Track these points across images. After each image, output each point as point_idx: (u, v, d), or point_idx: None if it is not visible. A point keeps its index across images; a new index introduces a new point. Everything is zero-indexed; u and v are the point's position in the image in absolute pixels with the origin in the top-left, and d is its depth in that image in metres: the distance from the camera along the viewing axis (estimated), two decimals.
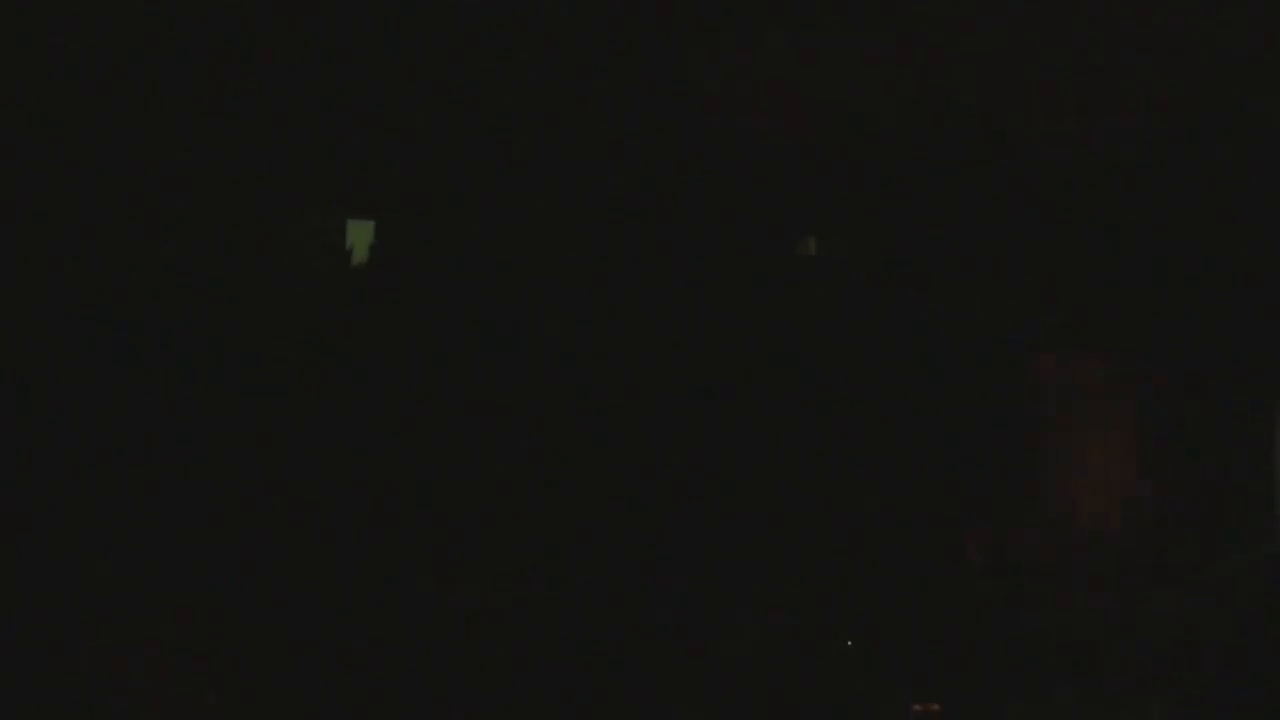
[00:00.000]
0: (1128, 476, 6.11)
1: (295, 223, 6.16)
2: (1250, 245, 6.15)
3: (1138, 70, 6.12)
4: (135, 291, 5.83)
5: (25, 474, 5.54)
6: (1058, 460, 6.14)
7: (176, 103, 5.96)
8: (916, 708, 5.51)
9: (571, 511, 5.85)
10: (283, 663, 5.29)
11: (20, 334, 5.68)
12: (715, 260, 6.20)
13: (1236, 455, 6.09)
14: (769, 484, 5.95)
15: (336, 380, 5.95)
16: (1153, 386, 6.15)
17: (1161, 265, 6.18)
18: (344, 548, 5.68)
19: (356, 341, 6.04)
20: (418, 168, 6.18)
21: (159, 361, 5.78)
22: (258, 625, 5.39)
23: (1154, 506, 6.06)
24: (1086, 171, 6.20)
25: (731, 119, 6.18)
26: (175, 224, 5.97)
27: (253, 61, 6.02)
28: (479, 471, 5.89)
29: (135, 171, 5.93)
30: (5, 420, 5.60)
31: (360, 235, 6.21)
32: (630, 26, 6.12)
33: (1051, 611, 5.79)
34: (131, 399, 5.70)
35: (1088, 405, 6.15)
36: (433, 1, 6.11)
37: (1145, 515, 6.05)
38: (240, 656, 5.28)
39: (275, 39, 6.04)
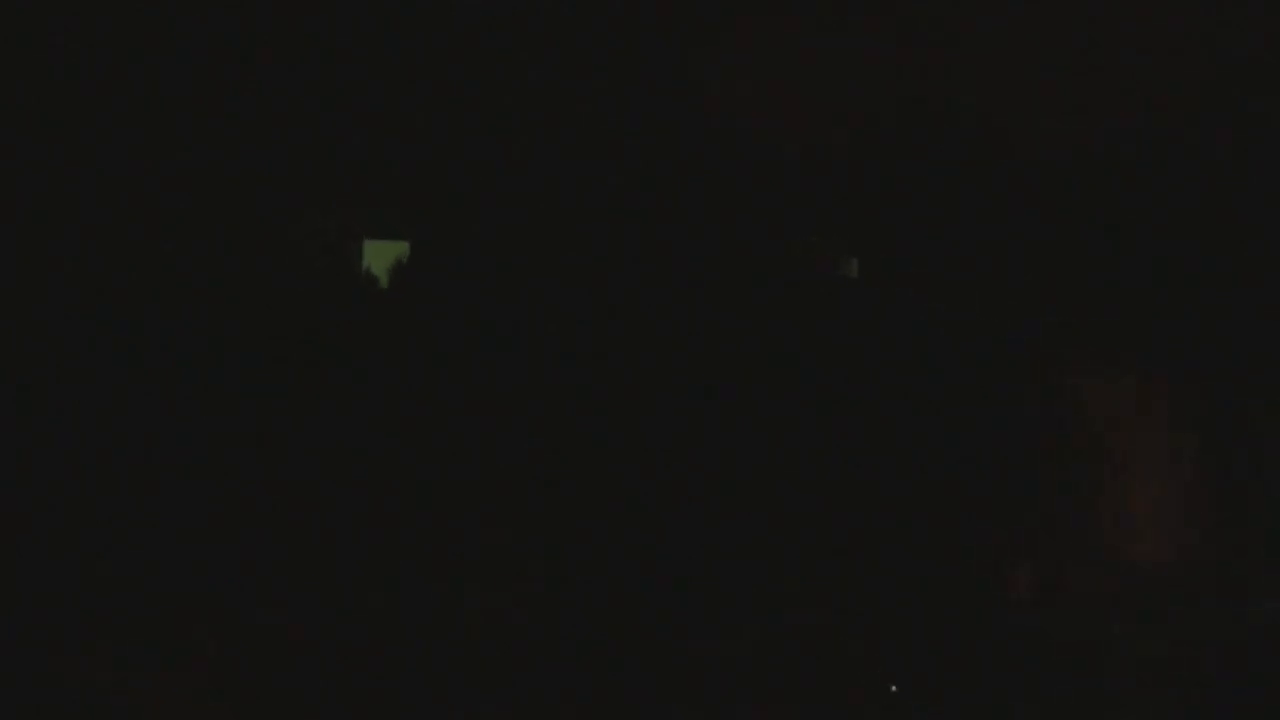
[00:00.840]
0: (1181, 509, 5.83)
1: (296, 223, 6.17)
2: None
3: (1138, 70, 6.12)
4: (135, 291, 5.83)
5: (25, 474, 5.54)
6: (1109, 491, 5.87)
7: (185, 105, 5.97)
8: None
9: (571, 511, 5.85)
10: (283, 663, 5.29)
11: (20, 334, 5.68)
12: (715, 260, 6.20)
13: None
14: (801, 503, 5.92)
15: (338, 382, 5.95)
16: (1212, 417, 5.89)
17: (1225, 297, 6.05)
18: (344, 548, 5.68)
19: (358, 344, 6.04)
20: (417, 167, 6.19)
21: (159, 361, 5.79)
22: (258, 625, 5.39)
23: (1209, 540, 5.79)
24: (1086, 171, 6.19)
25: (731, 119, 6.19)
26: (178, 226, 5.98)
27: (260, 67, 6.03)
28: (479, 472, 5.88)
29: (138, 173, 5.93)
30: (5, 420, 5.60)
31: (377, 255, 6.25)
32: (630, 26, 6.13)
33: (1097, 644, 5.58)
34: (131, 399, 5.71)
35: (1141, 436, 5.88)
36: (433, 3, 6.12)
37: (1199, 549, 5.78)
38: (240, 657, 5.28)
39: (276, 45, 6.05)
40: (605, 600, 5.67)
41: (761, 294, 6.22)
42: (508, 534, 5.78)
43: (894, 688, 5.36)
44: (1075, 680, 5.50)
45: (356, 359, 6.00)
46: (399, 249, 6.27)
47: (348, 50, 6.11)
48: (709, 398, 6.05)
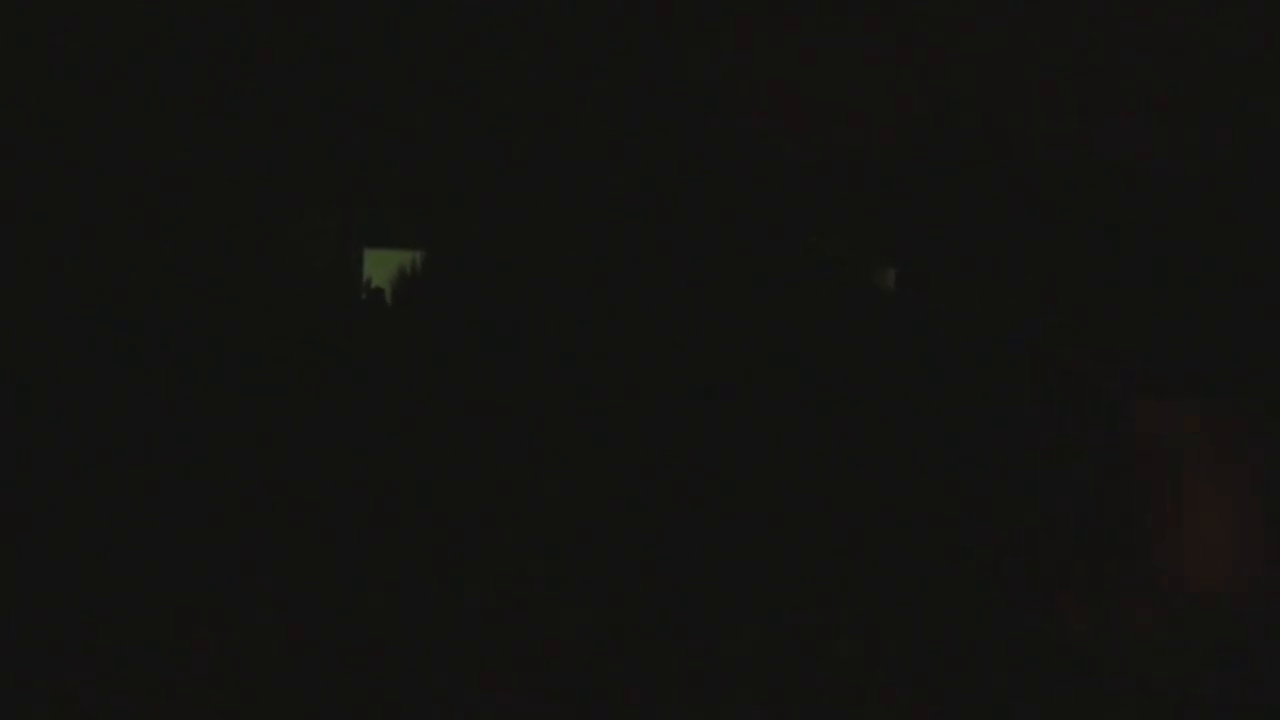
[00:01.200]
0: (1246, 539, 5.39)
1: (296, 223, 6.17)
2: None
3: (1138, 70, 6.12)
4: (135, 292, 5.83)
5: (25, 474, 5.54)
6: (1172, 518, 5.43)
7: (185, 105, 5.97)
8: None
9: (571, 511, 5.85)
10: (283, 663, 5.29)
11: (20, 334, 5.68)
12: (715, 260, 6.20)
13: None
14: (813, 504, 5.90)
15: (338, 382, 5.95)
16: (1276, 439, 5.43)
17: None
18: (344, 548, 5.68)
19: (358, 345, 6.04)
20: (416, 169, 6.19)
21: (159, 362, 5.79)
22: (258, 625, 5.39)
23: (1275, 573, 5.37)
24: (1086, 171, 6.19)
25: (731, 119, 6.19)
26: (177, 227, 5.98)
27: (260, 67, 6.03)
28: (479, 472, 5.89)
29: (138, 172, 5.93)
30: (5, 420, 5.60)
31: (378, 264, 6.26)
32: (630, 26, 6.13)
33: (1160, 688, 5.21)
34: (131, 399, 5.71)
35: (1207, 459, 5.42)
36: (433, 3, 6.12)
37: (1266, 582, 5.35)
38: (240, 657, 5.28)
39: (276, 46, 6.06)
40: (605, 600, 5.67)
41: (761, 293, 6.22)
42: (508, 534, 5.78)
43: None
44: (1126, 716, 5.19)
45: (356, 359, 6.00)
46: (400, 258, 6.28)
47: (347, 51, 6.11)
48: (711, 397, 6.05)
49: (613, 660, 5.47)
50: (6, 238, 5.76)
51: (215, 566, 5.55)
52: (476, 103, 6.19)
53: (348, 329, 6.10)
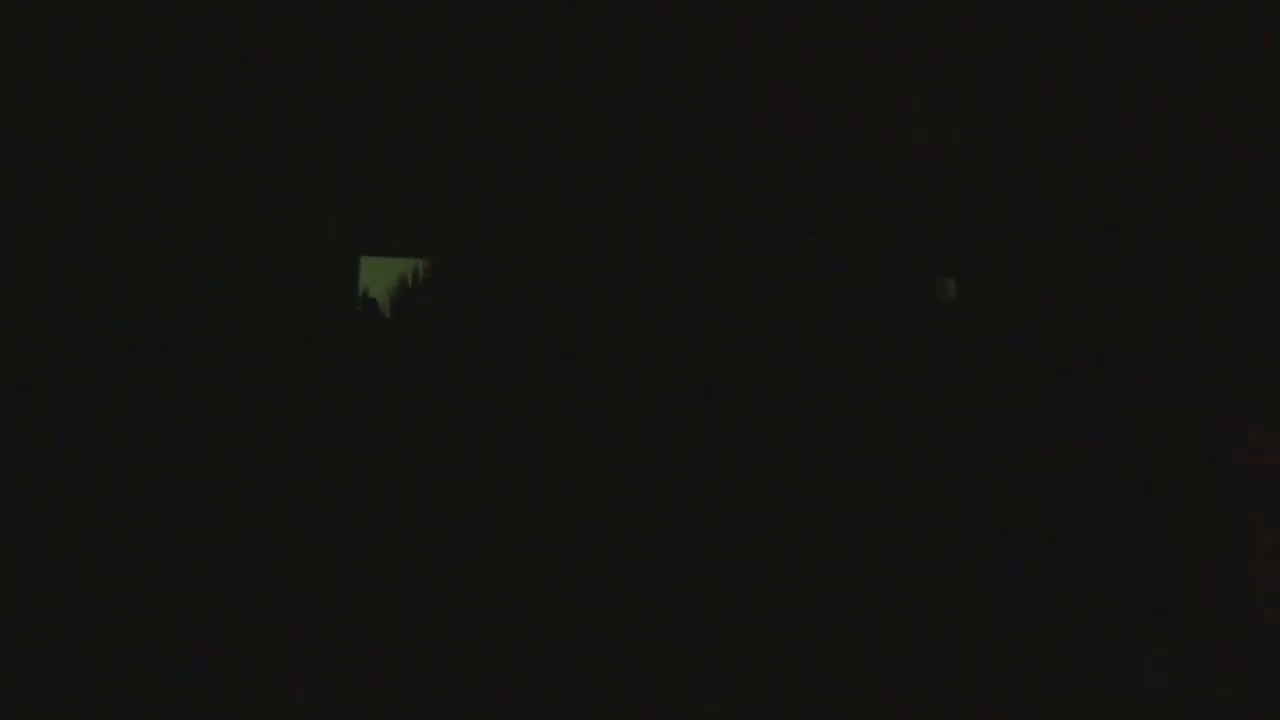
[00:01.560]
0: None
1: (296, 223, 6.17)
2: None
3: (1138, 70, 6.12)
4: (135, 291, 5.84)
5: (25, 474, 5.54)
6: (1260, 556, 4.99)
7: (182, 104, 5.97)
8: None
9: (571, 511, 5.85)
10: (283, 663, 5.29)
11: (20, 334, 5.68)
12: (716, 260, 6.20)
13: None
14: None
15: (337, 381, 5.95)
16: None
17: None
18: (344, 548, 5.68)
19: (358, 343, 6.04)
20: (417, 166, 6.19)
21: (159, 361, 5.79)
22: (258, 625, 5.39)
23: None
24: (1086, 171, 6.19)
25: (731, 119, 6.19)
26: (176, 225, 5.98)
27: (260, 67, 6.04)
28: (479, 471, 5.88)
29: (137, 172, 5.94)
30: (5, 420, 5.60)
31: (375, 273, 6.26)
32: (630, 26, 6.13)
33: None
34: (131, 399, 5.71)
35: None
36: (433, 2, 6.12)
37: None
38: (240, 657, 5.28)
39: (275, 45, 6.06)
40: (605, 600, 5.67)
41: (761, 293, 6.22)
42: (508, 534, 5.78)
43: None
44: None
45: (357, 359, 6.00)
46: (398, 266, 6.27)
47: (347, 51, 6.11)
48: (710, 398, 6.05)
49: (613, 660, 5.46)
50: (6, 238, 5.76)
51: (215, 566, 5.56)
52: (476, 103, 6.19)
53: (349, 329, 6.10)
